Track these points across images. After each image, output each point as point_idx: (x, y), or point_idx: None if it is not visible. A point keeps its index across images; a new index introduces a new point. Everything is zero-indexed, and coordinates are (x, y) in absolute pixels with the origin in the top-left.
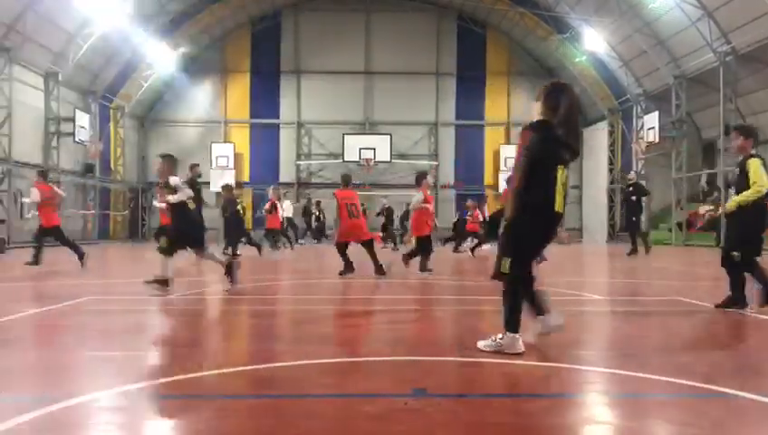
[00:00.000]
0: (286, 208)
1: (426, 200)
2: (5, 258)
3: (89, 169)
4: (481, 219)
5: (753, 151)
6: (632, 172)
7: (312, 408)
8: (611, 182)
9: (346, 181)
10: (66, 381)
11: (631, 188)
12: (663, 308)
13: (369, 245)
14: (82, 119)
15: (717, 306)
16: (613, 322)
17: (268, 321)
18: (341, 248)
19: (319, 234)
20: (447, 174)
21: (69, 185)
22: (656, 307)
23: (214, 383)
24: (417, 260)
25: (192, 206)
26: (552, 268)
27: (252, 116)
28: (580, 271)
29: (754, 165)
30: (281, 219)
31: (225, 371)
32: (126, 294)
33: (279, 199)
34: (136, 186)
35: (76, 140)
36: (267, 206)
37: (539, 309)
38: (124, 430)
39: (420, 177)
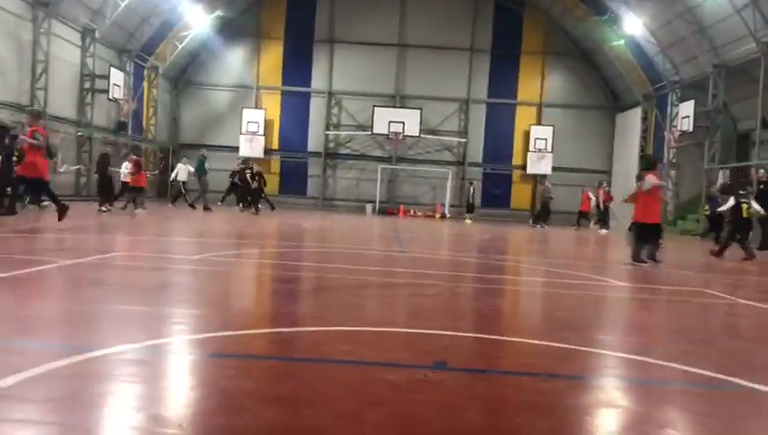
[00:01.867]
0: (180, 172)
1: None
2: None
3: (121, 126)
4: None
5: None
6: (761, 171)
7: (332, 373)
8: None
9: None
10: (94, 333)
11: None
12: (687, 298)
13: None
14: (117, 77)
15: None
16: (635, 308)
17: (289, 286)
18: None
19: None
20: (476, 151)
21: (100, 142)
22: (679, 297)
23: (238, 343)
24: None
25: None
26: (578, 255)
27: (284, 83)
28: (606, 256)
29: None
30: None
31: (249, 331)
32: (154, 251)
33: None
34: (167, 146)
35: (110, 97)
36: (131, 167)
37: None
38: (149, 383)
39: (654, 160)
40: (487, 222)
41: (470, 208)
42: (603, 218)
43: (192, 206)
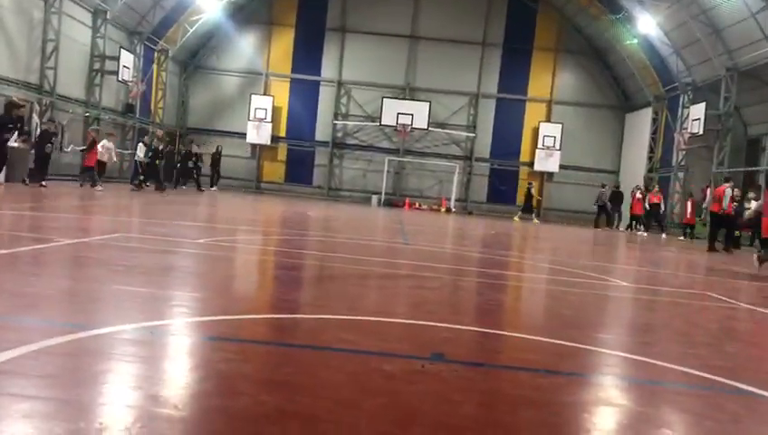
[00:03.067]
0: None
1: None
2: (45, 190)
3: (129, 108)
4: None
5: None
6: None
7: (330, 361)
8: (650, 170)
9: None
10: (94, 312)
11: None
12: (690, 301)
13: None
14: (127, 58)
15: None
16: (637, 309)
17: (292, 273)
18: None
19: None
20: (484, 147)
21: (108, 123)
22: (682, 299)
23: (237, 327)
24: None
25: None
26: (583, 254)
27: (293, 71)
28: (612, 257)
29: None
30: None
31: (249, 316)
32: (158, 234)
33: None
34: (174, 130)
35: (119, 79)
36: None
37: None
38: (147, 363)
39: None
40: (548, 221)
41: (530, 208)
42: (658, 221)
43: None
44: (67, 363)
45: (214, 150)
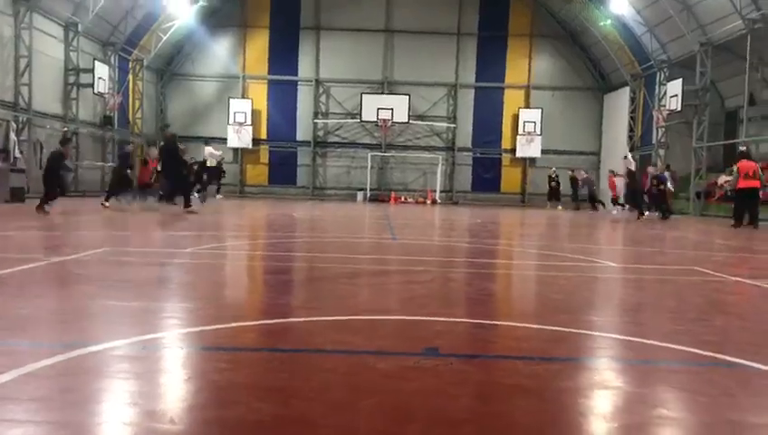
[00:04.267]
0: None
1: None
2: (25, 208)
3: (107, 121)
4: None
5: None
6: None
7: (323, 363)
8: (631, 149)
9: None
10: (84, 330)
11: None
12: (677, 277)
13: None
14: (102, 70)
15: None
16: (626, 289)
17: (281, 276)
18: None
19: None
20: (465, 136)
21: (87, 136)
22: (670, 276)
23: (229, 335)
24: None
25: None
26: (568, 235)
27: (270, 72)
28: (597, 238)
29: None
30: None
31: (240, 324)
32: (145, 245)
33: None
34: (154, 139)
35: (95, 91)
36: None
37: None
38: (141, 378)
39: None
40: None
41: (557, 196)
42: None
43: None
44: (59, 385)
45: (218, 162)
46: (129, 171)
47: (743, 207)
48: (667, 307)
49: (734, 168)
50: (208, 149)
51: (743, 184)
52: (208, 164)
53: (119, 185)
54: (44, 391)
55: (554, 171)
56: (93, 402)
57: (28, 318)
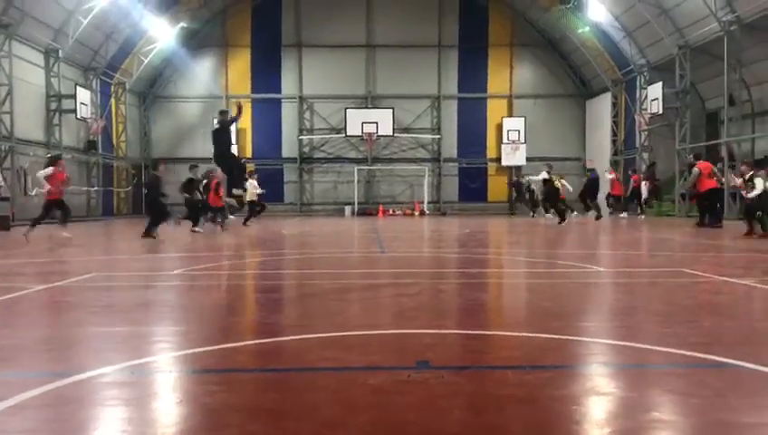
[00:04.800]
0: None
1: None
2: (10, 235)
3: (91, 145)
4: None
5: None
6: None
7: (315, 381)
8: (614, 154)
9: None
10: (72, 357)
11: None
12: (666, 280)
13: None
14: (84, 95)
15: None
16: (616, 293)
17: (271, 295)
18: None
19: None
20: (450, 147)
21: (71, 162)
22: (658, 278)
23: (219, 357)
24: None
25: None
26: (556, 242)
27: (253, 91)
28: (584, 243)
29: None
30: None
31: (229, 345)
32: (132, 270)
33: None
34: (138, 162)
35: (78, 117)
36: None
37: None
38: (131, 404)
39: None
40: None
41: (535, 204)
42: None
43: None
44: (48, 415)
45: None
46: (190, 195)
47: (711, 205)
48: (654, 309)
49: (696, 169)
50: (252, 182)
51: (710, 184)
52: (247, 199)
53: (193, 210)
54: (33, 422)
55: (527, 180)
56: (83, 431)
57: (19, 348)
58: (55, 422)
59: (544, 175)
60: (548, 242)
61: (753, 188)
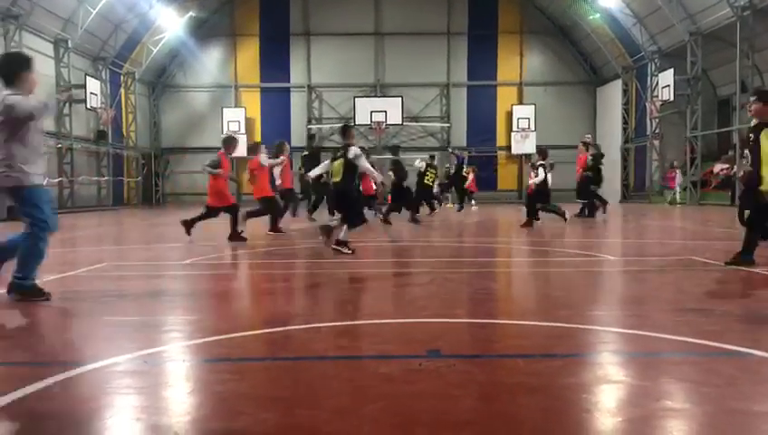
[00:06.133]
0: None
1: None
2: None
3: (101, 135)
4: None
5: None
6: None
7: (326, 370)
8: (625, 141)
9: None
10: (85, 346)
11: None
12: (676, 268)
13: None
14: (93, 85)
15: (727, 264)
16: (626, 282)
17: (283, 284)
18: None
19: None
20: (459, 135)
21: (82, 152)
22: (669, 267)
23: (231, 346)
24: None
25: None
26: (566, 230)
27: (262, 80)
28: (595, 232)
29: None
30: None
31: (242, 334)
32: (144, 259)
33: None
34: (148, 151)
35: (88, 106)
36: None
37: None
38: (144, 393)
39: None
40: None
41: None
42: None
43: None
44: (62, 404)
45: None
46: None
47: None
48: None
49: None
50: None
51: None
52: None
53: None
54: (48, 410)
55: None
56: (97, 420)
57: (32, 337)
58: (70, 411)
59: (542, 176)
60: (556, 232)
61: None
